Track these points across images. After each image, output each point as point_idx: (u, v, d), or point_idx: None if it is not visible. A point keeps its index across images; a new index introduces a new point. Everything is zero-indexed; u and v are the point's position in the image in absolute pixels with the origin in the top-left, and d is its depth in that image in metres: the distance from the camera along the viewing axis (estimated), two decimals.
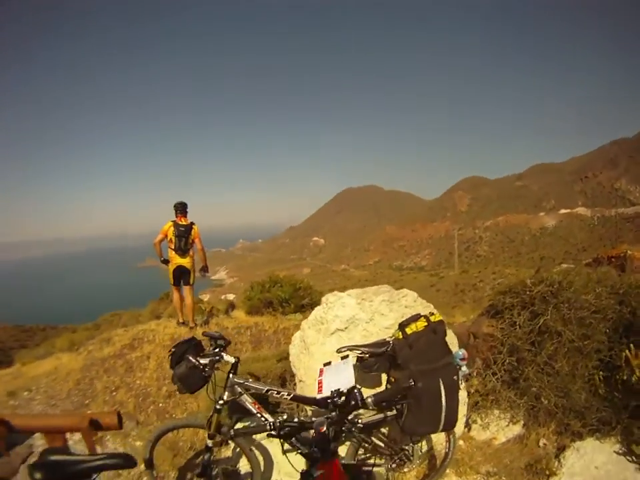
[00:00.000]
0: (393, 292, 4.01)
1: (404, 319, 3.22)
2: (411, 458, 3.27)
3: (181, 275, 7.82)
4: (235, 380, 3.05)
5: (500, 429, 4.24)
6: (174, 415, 5.17)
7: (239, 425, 3.26)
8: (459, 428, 3.94)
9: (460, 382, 2.97)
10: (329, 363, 3.12)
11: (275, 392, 3.06)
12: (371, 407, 2.75)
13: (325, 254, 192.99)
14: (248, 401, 3.05)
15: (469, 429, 4.27)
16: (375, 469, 3.02)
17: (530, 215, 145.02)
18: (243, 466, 3.36)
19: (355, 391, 2.52)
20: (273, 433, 2.53)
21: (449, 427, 2.98)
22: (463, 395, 3.95)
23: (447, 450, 3.49)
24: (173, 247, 7.67)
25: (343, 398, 2.50)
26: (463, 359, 3.05)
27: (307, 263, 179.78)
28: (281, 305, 10.23)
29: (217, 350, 3.07)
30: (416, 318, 3.08)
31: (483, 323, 4.61)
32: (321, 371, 3.08)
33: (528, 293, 4.30)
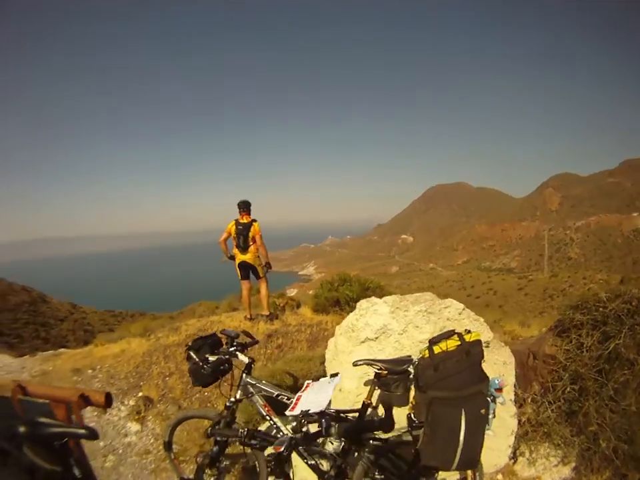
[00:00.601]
0: (435, 301, 3.63)
1: (443, 329, 2.97)
2: None
3: (247, 270, 8.06)
4: (248, 380, 3.06)
5: (547, 468, 3.62)
6: (215, 406, 5.27)
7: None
8: (502, 459, 3.57)
9: (491, 414, 2.67)
10: (317, 379, 2.93)
11: (286, 397, 2.98)
12: (335, 437, 2.49)
13: (413, 252, 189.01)
14: (259, 403, 3.04)
15: (515, 461, 3.74)
16: None
17: (623, 215, 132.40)
18: (252, 464, 3.25)
19: (323, 417, 2.34)
20: (240, 440, 2.47)
21: (467, 467, 2.70)
22: (512, 423, 3.59)
23: None
24: (235, 244, 7.90)
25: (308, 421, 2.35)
26: (498, 389, 2.75)
27: (395, 260, 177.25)
28: (348, 304, 9.72)
29: (232, 349, 3.08)
30: (449, 335, 2.76)
31: (546, 342, 3.98)
32: (306, 386, 2.87)
33: (601, 309, 3.59)
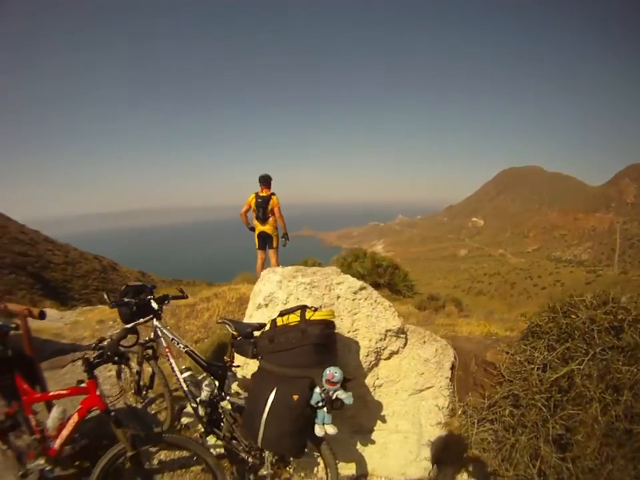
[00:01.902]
0: (329, 276, 3.15)
1: (322, 307, 2.82)
2: (263, 463, 2.76)
3: (265, 240, 8.28)
4: (155, 324, 3.42)
5: None
6: None
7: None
8: (411, 469, 2.97)
9: (322, 407, 2.33)
10: None
11: (177, 342, 3.25)
12: (205, 387, 2.90)
13: (483, 236, 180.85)
14: (162, 344, 3.37)
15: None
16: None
17: None
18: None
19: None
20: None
21: (273, 448, 2.51)
22: (432, 431, 3.00)
23: None
24: (255, 216, 8.16)
25: None
26: (329, 382, 2.27)
27: (464, 244, 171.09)
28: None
29: (148, 297, 3.51)
30: (295, 309, 2.49)
31: (492, 346, 3.10)
32: None
33: (572, 317, 2.62)
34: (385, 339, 2.90)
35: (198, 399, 2.99)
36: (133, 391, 3.89)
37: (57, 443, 2.72)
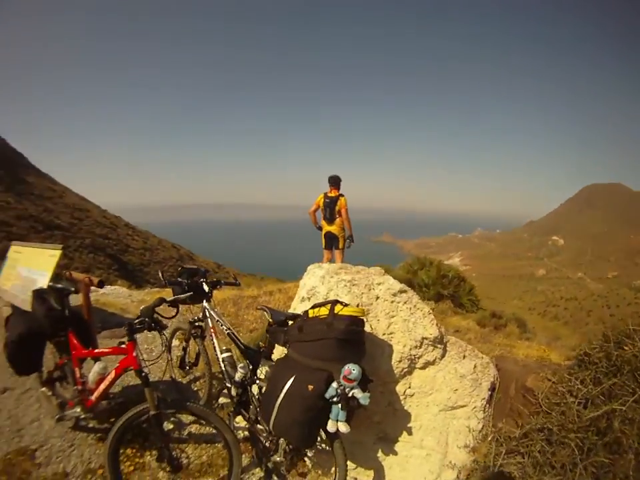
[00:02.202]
0: (370, 276, 3.22)
1: (360, 306, 2.90)
2: (277, 450, 2.87)
3: (331, 240, 8.48)
4: (205, 305, 3.59)
5: None
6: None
7: None
8: None
9: (337, 403, 2.36)
10: None
11: (221, 323, 3.38)
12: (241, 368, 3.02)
13: (562, 257, 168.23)
14: (209, 324, 3.54)
15: None
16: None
17: None
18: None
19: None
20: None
21: (282, 435, 2.62)
22: (458, 455, 2.84)
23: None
24: (322, 216, 8.42)
25: None
26: (347, 378, 2.31)
27: (543, 263, 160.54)
28: (421, 290, 9.32)
29: (200, 280, 3.67)
30: (326, 303, 2.58)
31: (535, 371, 2.94)
32: None
33: (624, 349, 2.40)
34: (420, 347, 2.94)
35: (232, 380, 3.18)
36: (177, 365, 4.20)
37: (94, 395, 3.09)
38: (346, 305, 2.50)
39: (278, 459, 2.85)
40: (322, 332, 2.40)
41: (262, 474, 3.09)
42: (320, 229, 8.58)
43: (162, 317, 2.88)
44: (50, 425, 3.60)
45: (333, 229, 8.26)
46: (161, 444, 2.82)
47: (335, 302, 2.53)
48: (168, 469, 2.89)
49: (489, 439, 2.81)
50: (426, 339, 2.89)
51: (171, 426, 3.72)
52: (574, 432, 2.30)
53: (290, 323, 2.81)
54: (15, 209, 46.64)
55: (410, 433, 2.93)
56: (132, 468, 3.20)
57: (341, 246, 8.38)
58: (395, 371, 2.90)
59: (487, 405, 2.91)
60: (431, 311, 3.01)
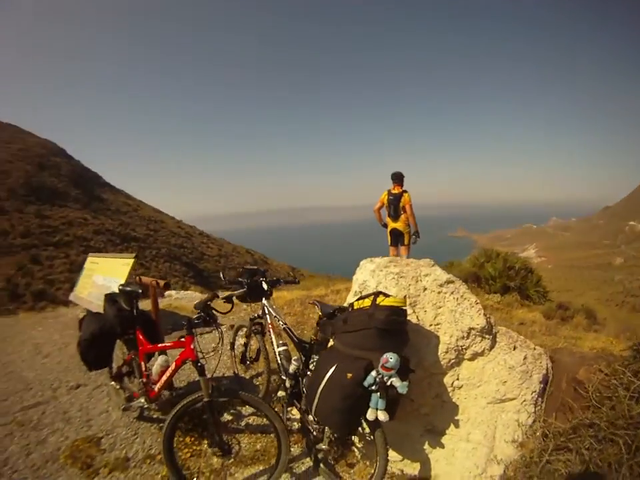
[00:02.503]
0: (419, 268, 3.35)
1: (407, 297, 3.09)
2: (321, 438, 3.14)
3: (397, 237, 8.78)
4: (264, 302, 3.90)
5: None
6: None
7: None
8: None
9: (376, 391, 2.50)
10: None
11: (279, 319, 3.70)
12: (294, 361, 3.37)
13: None
14: (267, 320, 3.84)
15: None
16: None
17: None
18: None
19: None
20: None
21: (322, 421, 2.83)
22: (503, 448, 2.88)
23: (374, 470, 2.85)
24: (387, 213, 8.75)
25: None
26: (384, 367, 2.45)
27: (620, 251, 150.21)
28: (487, 283, 9.43)
29: (260, 279, 3.98)
30: (372, 294, 2.76)
31: (591, 364, 2.93)
32: None
33: None
34: (467, 338, 3.07)
35: (287, 372, 3.51)
36: (239, 360, 4.64)
37: (157, 386, 3.51)
38: (388, 296, 2.67)
39: (324, 447, 3.10)
40: (364, 322, 2.59)
41: (311, 463, 3.33)
42: (385, 226, 8.92)
43: (218, 312, 3.28)
44: (117, 416, 4.15)
45: (398, 225, 8.55)
46: (214, 431, 3.13)
47: (378, 293, 2.72)
48: (220, 454, 3.18)
49: (538, 434, 2.85)
50: (473, 329, 3.01)
51: (229, 416, 4.11)
52: (623, 428, 2.34)
53: (335, 313, 3.06)
54: (92, 224, 51.45)
55: (457, 426, 3.07)
56: (189, 454, 3.55)
57: (406, 242, 8.67)
58: (442, 362, 3.06)
59: (539, 398, 2.97)
60: (478, 301, 3.12)
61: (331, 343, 3.24)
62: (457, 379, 3.10)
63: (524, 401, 2.92)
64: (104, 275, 6.13)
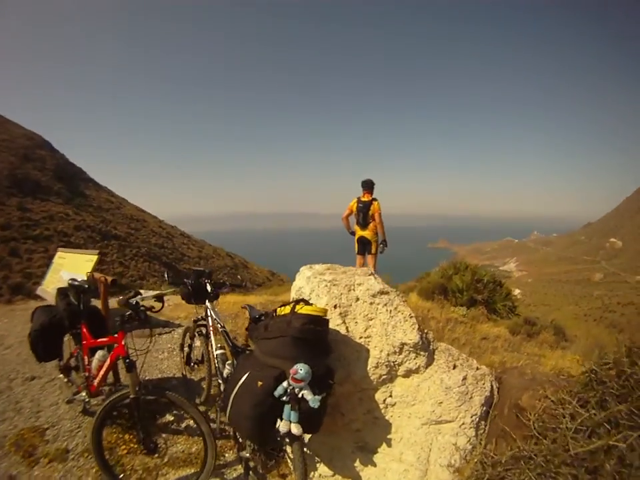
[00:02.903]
0: (353, 277, 2.80)
1: (338, 307, 2.62)
2: (244, 446, 2.73)
3: (364, 246, 7.88)
4: (207, 304, 3.48)
5: None
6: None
7: None
8: None
9: (287, 401, 2.10)
10: None
11: (218, 322, 3.31)
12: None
13: (621, 259, 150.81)
14: (209, 322, 3.43)
15: None
16: None
17: None
18: None
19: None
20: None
21: (235, 427, 2.62)
22: (438, 473, 2.36)
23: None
24: (356, 221, 7.86)
25: None
26: (295, 379, 2.05)
27: (601, 267, 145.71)
28: (454, 295, 8.54)
29: (206, 281, 3.57)
30: (293, 302, 2.38)
31: (536, 389, 2.29)
32: None
33: (632, 369, 1.82)
34: (399, 353, 2.48)
35: (222, 376, 3.10)
36: (185, 361, 4.18)
37: (96, 381, 3.12)
38: (309, 304, 2.27)
39: (246, 454, 2.62)
40: (281, 329, 2.20)
41: (242, 470, 2.83)
42: (353, 234, 8.02)
43: (148, 310, 2.85)
44: (65, 409, 3.72)
45: (366, 233, 7.67)
46: (140, 428, 2.77)
47: (299, 301, 2.31)
48: (144, 452, 2.89)
49: (476, 460, 2.24)
50: (406, 344, 2.43)
51: (170, 417, 3.66)
52: (566, 464, 1.72)
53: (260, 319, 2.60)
54: (74, 220, 48.74)
55: (389, 445, 2.49)
56: (125, 451, 3.15)
57: (373, 251, 7.79)
58: (372, 377, 2.48)
59: (481, 422, 2.38)
60: (412, 315, 2.54)
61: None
62: (390, 396, 2.52)
63: (462, 424, 2.34)
64: (69, 271, 5.73)
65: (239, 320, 6.68)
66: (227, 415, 2.28)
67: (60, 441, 3.31)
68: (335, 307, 2.57)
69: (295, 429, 2.06)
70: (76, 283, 3.47)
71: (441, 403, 2.37)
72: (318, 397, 2.03)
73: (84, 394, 3.36)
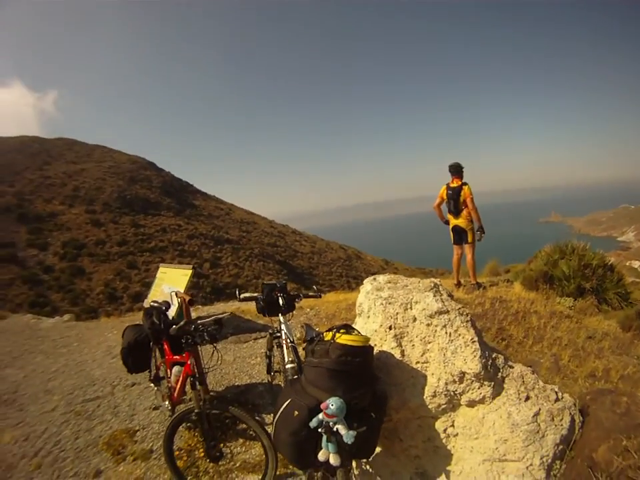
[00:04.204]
0: (411, 292, 2.61)
1: (393, 328, 2.52)
2: None
3: (460, 235, 7.64)
4: (280, 318, 3.59)
5: None
6: None
7: None
8: None
9: (323, 434, 2.06)
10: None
11: (288, 337, 3.41)
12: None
13: None
14: (282, 335, 3.51)
15: None
16: None
17: None
18: None
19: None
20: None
21: (278, 450, 2.60)
22: None
23: None
24: (448, 209, 7.66)
25: None
26: (327, 414, 2.02)
27: None
28: (560, 284, 7.70)
29: (279, 294, 3.64)
30: (336, 327, 2.25)
31: (617, 439, 1.98)
32: None
33: None
34: (459, 382, 2.32)
35: None
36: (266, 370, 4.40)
37: (175, 392, 3.53)
38: (350, 331, 2.20)
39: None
40: (319, 358, 2.18)
41: None
42: (447, 223, 7.78)
43: (210, 335, 3.04)
44: (156, 413, 4.29)
45: (460, 222, 7.41)
46: (205, 438, 3.06)
47: (341, 327, 2.25)
48: (210, 461, 3.16)
49: None
50: (466, 374, 2.26)
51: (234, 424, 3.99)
52: None
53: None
54: (186, 229, 53.52)
55: (448, 477, 2.36)
56: (202, 453, 3.39)
57: (470, 240, 7.47)
58: (430, 406, 2.35)
59: (555, 462, 2.09)
60: (475, 339, 2.32)
61: None
62: (452, 426, 2.38)
63: (530, 465, 2.09)
64: (169, 284, 6.39)
65: (335, 321, 6.80)
66: (272, 436, 2.34)
67: (146, 442, 3.81)
68: (390, 328, 2.48)
69: (333, 460, 2.06)
70: (156, 304, 3.92)
71: (506, 440, 2.17)
72: (353, 433, 1.99)
73: (166, 403, 3.86)
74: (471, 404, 2.33)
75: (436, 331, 2.39)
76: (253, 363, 5.39)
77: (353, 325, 2.94)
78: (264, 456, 2.94)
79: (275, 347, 3.91)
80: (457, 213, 7.40)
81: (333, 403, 2.00)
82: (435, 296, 2.52)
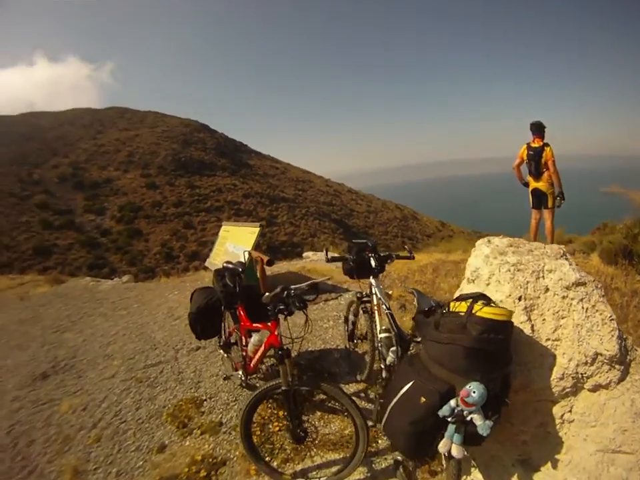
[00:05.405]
0: (541, 258, 2.40)
1: (523, 299, 2.30)
2: None
3: (540, 199, 7.43)
4: (371, 281, 3.30)
5: None
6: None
7: None
8: None
9: (452, 423, 1.87)
10: None
11: (382, 302, 3.14)
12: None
13: None
14: (375, 299, 3.25)
15: None
16: None
17: None
18: None
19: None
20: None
21: (389, 437, 2.44)
22: None
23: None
24: (528, 170, 7.40)
25: None
26: (466, 402, 1.80)
27: None
28: None
29: (369, 254, 3.39)
30: (470, 297, 2.03)
31: None
32: None
33: None
34: (591, 364, 2.18)
35: (385, 362, 2.98)
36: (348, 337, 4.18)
37: (252, 363, 3.36)
38: (489, 304, 1.98)
39: (399, 457, 2.61)
40: (453, 334, 1.93)
41: (391, 461, 2.90)
42: (526, 185, 7.54)
43: (302, 302, 2.86)
44: (224, 382, 4.09)
45: (541, 185, 7.17)
46: (291, 417, 2.86)
47: (478, 297, 2.02)
48: (291, 441, 2.99)
49: None
50: (600, 355, 2.12)
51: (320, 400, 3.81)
52: None
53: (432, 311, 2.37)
54: (242, 189, 54.83)
55: (555, 467, 2.25)
56: (277, 428, 3.36)
57: (550, 205, 7.24)
58: (554, 389, 2.24)
59: None
60: (613, 317, 2.14)
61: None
62: (570, 412, 2.25)
63: None
64: (234, 243, 6.27)
65: (408, 283, 6.78)
66: (382, 424, 2.16)
67: (215, 414, 3.65)
68: (520, 298, 2.29)
69: (456, 451, 1.89)
70: (230, 265, 3.73)
71: (626, 430, 2.04)
72: (490, 423, 1.83)
73: (240, 373, 3.65)
74: (595, 388, 2.21)
75: (571, 304, 2.19)
76: (325, 326, 5.19)
77: (459, 291, 2.77)
78: (350, 434, 2.90)
79: (361, 312, 3.69)
80: (537, 175, 7.13)
81: (475, 390, 1.79)
82: (570, 265, 2.31)
